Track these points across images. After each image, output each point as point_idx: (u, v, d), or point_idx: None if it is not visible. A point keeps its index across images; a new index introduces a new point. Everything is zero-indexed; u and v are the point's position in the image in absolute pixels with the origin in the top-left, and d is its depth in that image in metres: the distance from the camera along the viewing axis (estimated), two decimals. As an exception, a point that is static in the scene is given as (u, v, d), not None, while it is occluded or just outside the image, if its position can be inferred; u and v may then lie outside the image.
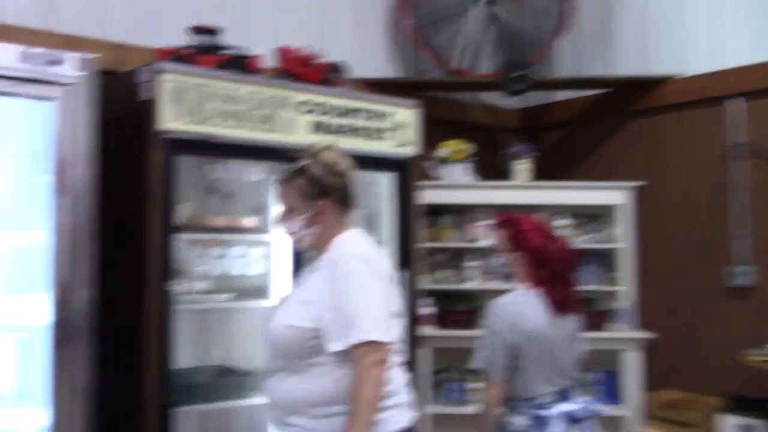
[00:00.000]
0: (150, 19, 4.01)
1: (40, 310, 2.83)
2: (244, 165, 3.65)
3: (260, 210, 3.70)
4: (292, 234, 2.47)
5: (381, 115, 3.85)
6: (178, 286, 3.26)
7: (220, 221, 3.60)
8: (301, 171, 2.41)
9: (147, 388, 3.06)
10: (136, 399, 3.07)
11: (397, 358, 2.39)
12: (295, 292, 2.44)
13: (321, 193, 2.39)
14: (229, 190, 3.75)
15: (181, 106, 3.13)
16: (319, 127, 3.62)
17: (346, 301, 2.25)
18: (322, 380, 2.29)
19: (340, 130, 3.69)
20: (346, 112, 3.73)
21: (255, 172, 3.66)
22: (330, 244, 2.40)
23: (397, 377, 2.39)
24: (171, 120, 3.10)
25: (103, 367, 2.94)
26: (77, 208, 2.80)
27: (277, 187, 2.50)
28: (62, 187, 2.78)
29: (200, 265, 3.65)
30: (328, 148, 2.47)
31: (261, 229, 3.65)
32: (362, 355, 2.23)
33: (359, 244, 2.41)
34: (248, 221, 3.66)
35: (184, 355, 3.48)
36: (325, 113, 3.64)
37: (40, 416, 2.86)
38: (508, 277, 4.06)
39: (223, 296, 3.59)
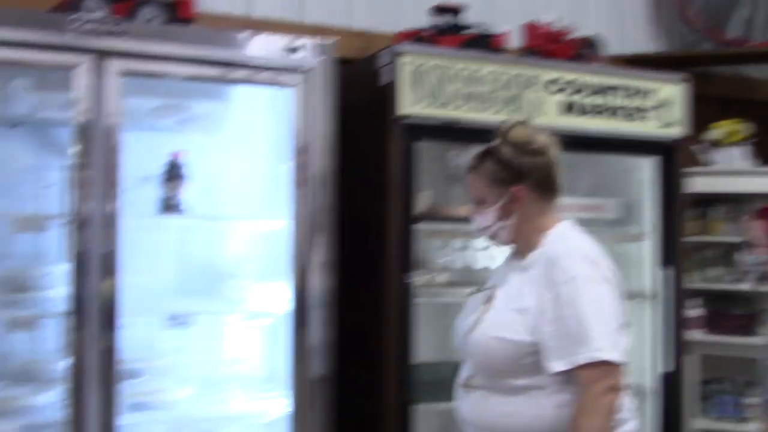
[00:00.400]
0: (394, 3, 3.92)
1: (283, 297, 2.84)
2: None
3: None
4: (484, 229, 2.12)
5: (642, 93, 3.42)
6: (418, 278, 3.12)
7: (462, 211, 3.39)
8: (489, 154, 2.08)
9: (386, 382, 2.95)
10: (374, 393, 2.98)
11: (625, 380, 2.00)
12: (501, 297, 2.08)
13: (514, 177, 2.03)
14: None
15: (421, 90, 2.98)
16: (570, 108, 3.29)
17: (572, 311, 1.90)
18: (539, 406, 1.96)
19: (595, 110, 3.33)
20: (602, 90, 3.35)
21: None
22: (536, 240, 2.04)
23: (626, 402, 2.01)
24: (411, 104, 2.96)
25: (340, 357, 2.88)
26: (316, 196, 2.76)
27: (465, 177, 2.18)
28: (302, 174, 2.75)
29: (441, 257, 3.49)
30: (520, 124, 2.11)
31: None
32: (592, 379, 1.88)
33: (579, 240, 2.05)
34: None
35: (425, 350, 3.33)
36: (577, 92, 3.30)
37: (282, 402, 2.87)
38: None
39: (467, 290, 3.38)
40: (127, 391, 2.70)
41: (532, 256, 2.03)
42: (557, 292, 1.92)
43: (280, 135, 2.91)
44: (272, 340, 3.27)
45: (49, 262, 2.81)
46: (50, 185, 3.06)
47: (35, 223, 2.51)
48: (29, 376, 2.78)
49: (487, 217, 2.10)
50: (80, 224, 2.47)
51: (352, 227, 3.01)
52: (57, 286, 2.67)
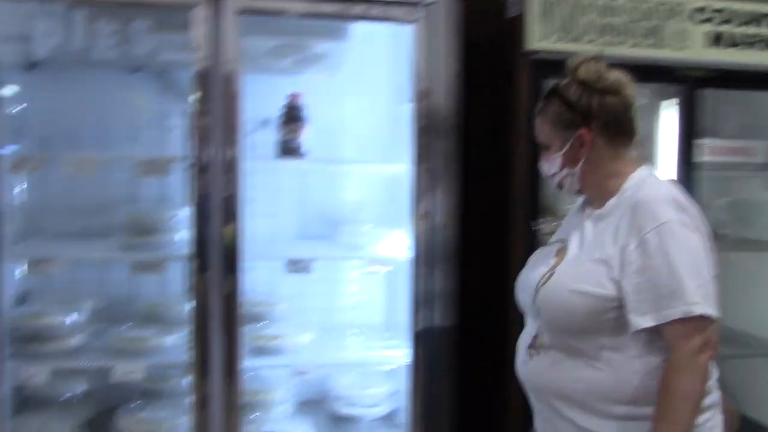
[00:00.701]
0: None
1: (403, 244, 2.74)
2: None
3: (642, 141, 3.18)
4: (551, 176, 1.92)
5: (803, 21, 3.05)
6: (544, 226, 2.94)
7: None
8: (554, 94, 1.87)
9: (511, 331, 2.82)
10: (498, 342, 2.86)
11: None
12: (576, 248, 1.87)
13: (580, 119, 1.83)
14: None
15: (551, 22, 2.76)
16: (718, 39, 2.97)
17: (662, 260, 1.68)
18: (620, 369, 1.74)
19: (746, 42, 3.00)
20: (755, 19, 3.01)
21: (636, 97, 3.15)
22: (613, 186, 1.84)
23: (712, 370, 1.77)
24: (540, 38, 2.75)
25: (462, 307, 2.77)
26: (437, 139, 2.62)
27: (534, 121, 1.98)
28: (422, 116, 2.61)
29: (568, 203, 3.27)
30: (591, 59, 1.87)
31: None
32: (684, 335, 1.66)
33: (664, 185, 1.81)
34: (626, 154, 3.18)
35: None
36: (726, 21, 2.98)
37: (402, 352, 2.80)
38: None
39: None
40: (249, 336, 2.71)
41: (611, 203, 1.83)
42: (644, 240, 1.70)
43: (401, 75, 2.77)
44: (392, 288, 3.20)
45: (174, 205, 2.83)
46: (172, 129, 3.09)
47: (159, 167, 2.51)
48: (155, 318, 2.84)
49: (553, 163, 1.90)
50: (201, 169, 2.45)
51: (475, 172, 2.86)
52: (181, 229, 2.68)
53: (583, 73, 1.85)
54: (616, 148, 1.86)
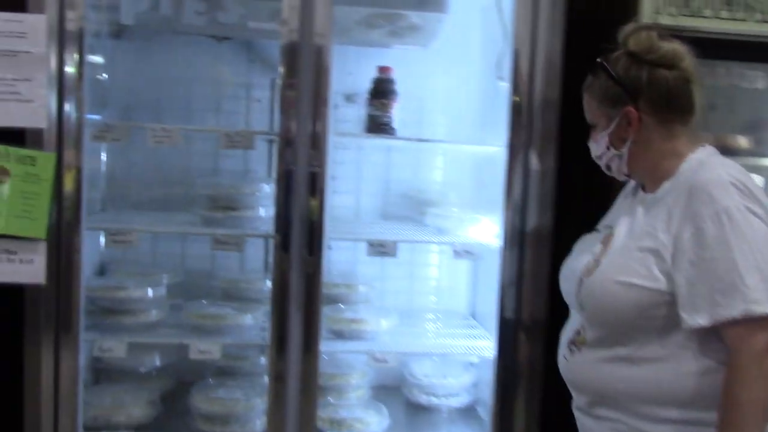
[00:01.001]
0: None
1: (492, 230, 2.59)
2: (741, 68, 2.89)
3: (757, 127, 2.94)
4: (598, 158, 1.78)
5: None
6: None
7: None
8: (601, 67, 1.70)
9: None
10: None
11: None
12: (624, 235, 1.69)
13: (627, 95, 1.67)
14: (714, 99, 3.04)
15: (666, -4, 2.53)
16: None
17: (722, 251, 1.50)
18: (672, 371, 1.57)
19: None
20: None
21: (755, 78, 2.89)
22: (667, 168, 1.66)
23: None
24: (655, 12, 2.51)
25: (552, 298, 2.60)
26: (536, 121, 2.44)
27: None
28: (520, 93, 2.43)
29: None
30: (644, 28, 1.70)
31: (756, 152, 2.89)
32: (746, 336, 1.47)
33: (727, 167, 1.61)
34: (738, 140, 2.93)
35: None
36: None
37: (487, 343, 2.66)
38: None
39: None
40: (327, 318, 2.61)
41: (665, 187, 1.66)
42: (701, 228, 1.51)
43: (498, 51, 2.60)
44: (477, 276, 3.06)
45: (257, 180, 2.74)
46: (258, 101, 3.00)
47: (244, 141, 2.41)
48: (234, 295, 2.77)
49: (599, 144, 1.75)
50: (286, 143, 2.34)
51: (574, 155, 2.67)
52: (264, 205, 2.59)
53: (633, 43, 1.69)
54: (670, 127, 1.68)
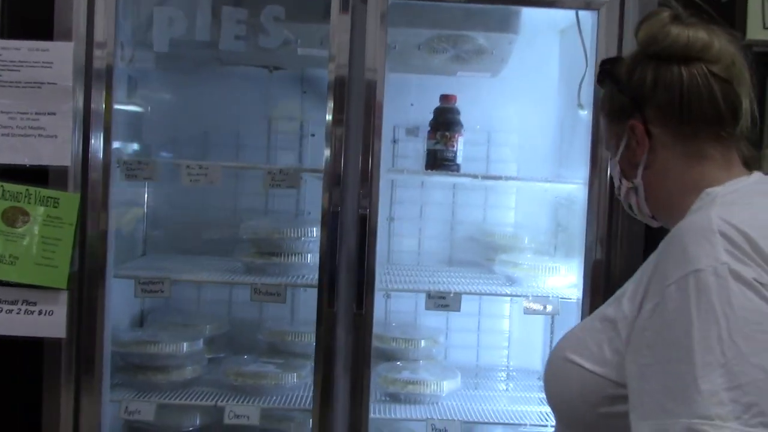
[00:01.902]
0: None
1: (571, 279, 2.25)
2: None
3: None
4: (619, 197, 1.35)
5: None
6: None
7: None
8: (604, 73, 1.30)
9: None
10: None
11: None
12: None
13: (630, 103, 1.24)
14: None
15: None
16: None
17: (678, 334, 1.02)
18: None
19: None
20: None
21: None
22: (684, 205, 1.20)
23: None
24: (762, 28, 2.17)
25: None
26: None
27: None
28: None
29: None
30: (655, 12, 1.25)
31: None
32: None
33: (741, 208, 1.12)
34: None
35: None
36: None
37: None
38: None
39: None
40: (380, 378, 2.31)
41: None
42: (663, 296, 1.06)
43: (573, 77, 2.28)
44: (556, 329, 2.70)
45: (307, 222, 2.48)
46: (312, 136, 2.76)
47: (288, 178, 2.16)
48: (281, 349, 2.50)
49: (614, 174, 1.33)
50: (332, 181, 2.07)
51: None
52: (313, 251, 2.33)
53: (641, 34, 1.26)
54: (693, 145, 1.21)
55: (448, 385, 2.34)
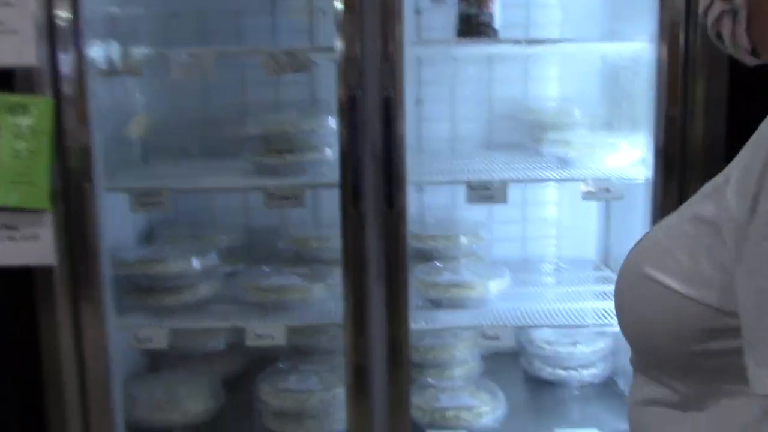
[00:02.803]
0: None
1: (636, 156, 1.92)
2: None
3: None
4: (702, 12, 0.99)
5: None
6: None
7: None
8: None
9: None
10: None
11: None
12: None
13: None
14: None
15: None
16: None
17: None
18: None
19: None
20: None
21: None
22: None
23: None
24: None
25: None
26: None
27: None
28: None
29: None
30: None
31: None
32: None
33: None
34: None
35: None
36: None
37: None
38: None
39: None
40: (419, 282, 2.04)
41: None
42: (759, 203, 0.78)
43: None
44: (613, 212, 2.39)
45: (322, 113, 2.16)
46: (323, 13, 2.40)
47: (293, 62, 1.83)
48: (303, 258, 2.23)
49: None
50: (348, 62, 1.73)
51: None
52: (328, 144, 2.01)
53: None
54: None
55: (495, 286, 2.06)
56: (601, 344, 2.28)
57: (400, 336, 1.85)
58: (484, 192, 1.86)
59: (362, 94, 1.75)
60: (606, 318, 2.02)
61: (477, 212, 2.42)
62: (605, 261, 2.49)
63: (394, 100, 1.74)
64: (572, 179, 1.92)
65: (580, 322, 2.00)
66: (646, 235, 1.01)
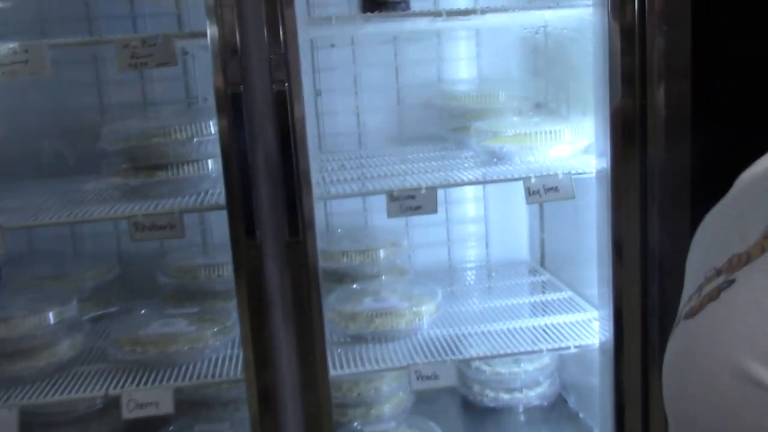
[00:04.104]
0: None
1: (581, 143, 1.62)
2: None
3: None
4: None
5: None
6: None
7: None
8: None
9: None
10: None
11: None
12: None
13: None
14: None
15: None
16: None
17: None
18: None
19: None
20: None
21: None
22: None
23: None
24: None
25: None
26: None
27: None
28: None
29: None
30: None
31: None
32: None
33: None
34: None
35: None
36: None
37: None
38: None
39: None
40: (335, 313, 1.68)
41: None
42: None
43: None
44: (554, 213, 2.09)
45: (197, 115, 1.76)
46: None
47: (158, 51, 1.42)
48: (192, 290, 1.83)
49: None
50: (226, 49, 1.35)
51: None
52: (209, 155, 1.61)
53: None
54: None
55: (427, 311, 1.72)
56: (546, 360, 1.99)
57: (317, 386, 1.49)
58: (410, 202, 1.51)
59: (246, 87, 1.36)
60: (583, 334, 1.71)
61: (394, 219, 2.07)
62: (540, 261, 2.20)
63: (289, 94, 1.35)
64: (514, 179, 1.58)
65: (532, 346, 1.68)
66: (702, 304, 0.66)
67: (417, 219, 2.14)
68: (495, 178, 1.61)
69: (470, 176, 1.62)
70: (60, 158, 1.92)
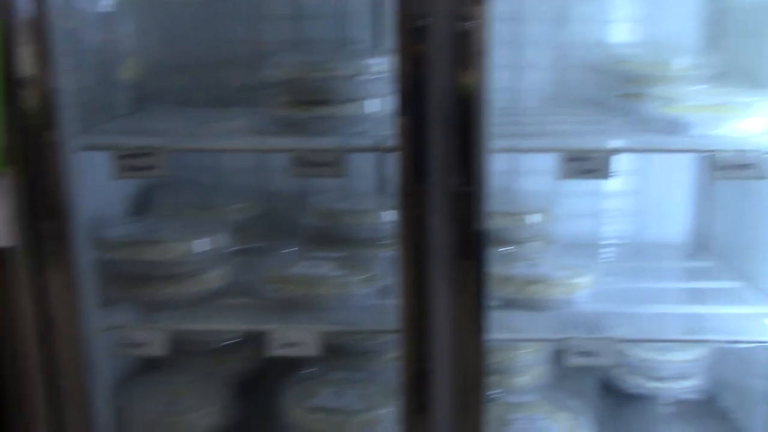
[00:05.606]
0: None
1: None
2: None
3: None
4: None
5: None
6: None
7: None
8: None
9: None
10: None
11: None
12: None
13: None
14: None
15: None
16: None
17: None
18: None
19: None
20: None
21: None
22: None
23: None
24: None
25: None
26: None
27: None
28: None
29: None
30: None
31: None
32: None
33: None
34: None
35: None
36: None
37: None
38: None
39: None
40: (493, 277, 1.59)
41: None
42: None
43: None
44: (730, 192, 1.93)
45: (360, 53, 1.69)
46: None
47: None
48: (338, 235, 1.78)
49: None
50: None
51: None
52: (370, 94, 1.54)
53: None
54: None
55: (585, 283, 1.60)
56: (702, 352, 1.84)
57: (474, 347, 1.41)
58: (584, 164, 1.40)
59: (431, 24, 1.28)
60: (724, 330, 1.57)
61: (542, 180, 1.95)
62: (703, 245, 2.03)
63: (477, 34, 1.26)
64: (701, 150, 1.44)
65: (696, 335, 1.55)
66: None
67: (563, 186, 2.02)
68: (680, 147, 1.47)
69: (654, 144, 1.48)
70: (214, 89, 1.89)
